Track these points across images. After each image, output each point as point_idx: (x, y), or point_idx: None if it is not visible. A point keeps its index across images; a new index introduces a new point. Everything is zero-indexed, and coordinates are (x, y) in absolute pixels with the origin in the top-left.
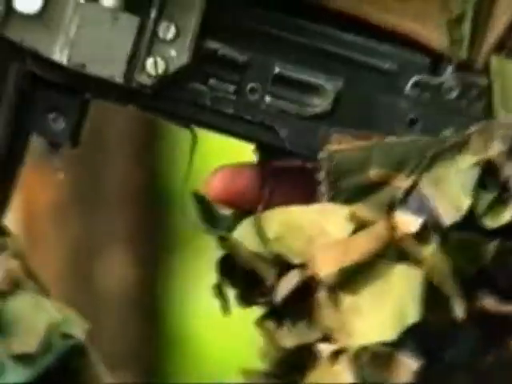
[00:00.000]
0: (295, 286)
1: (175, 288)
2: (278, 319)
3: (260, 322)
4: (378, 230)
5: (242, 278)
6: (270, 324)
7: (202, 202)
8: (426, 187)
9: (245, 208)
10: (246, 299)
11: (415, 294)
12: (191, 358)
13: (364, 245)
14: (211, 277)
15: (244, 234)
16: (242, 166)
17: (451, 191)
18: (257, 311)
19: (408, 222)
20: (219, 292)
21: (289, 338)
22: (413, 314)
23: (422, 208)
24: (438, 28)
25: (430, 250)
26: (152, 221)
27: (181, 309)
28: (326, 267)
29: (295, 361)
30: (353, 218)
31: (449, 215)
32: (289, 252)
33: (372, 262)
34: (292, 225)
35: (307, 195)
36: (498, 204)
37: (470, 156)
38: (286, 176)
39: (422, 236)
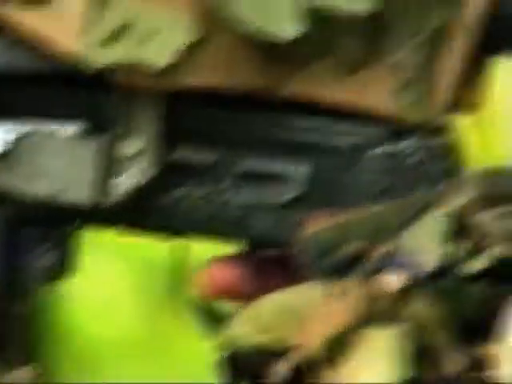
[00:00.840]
0: (288, 369)
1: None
2: None
3: None
4: (357, 295)
5: (250, 376)
6: None
7: (203, 309)
8: (404, 245)
9: (240, 299)
10: None
11: (402, 352)
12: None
13: (344, 313)
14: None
15: (239, 328)
16: (229, 258)
17: (426, 242)
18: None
19: (389, 280)
20: None
21: None
22: (402, 373)
23: (402, 264)
24: (389, 96)
25: (415, 306)
26: None
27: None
28: (311, 343)
29: None
30: (330, 290)
31: (427, 265)
32: (283, 337)
33: (355, 328)
34: (280, 310)
35: (296, 280)
36: (473, 251)
37: (442, 209)
38: (273, 265)
39: (405, 292)
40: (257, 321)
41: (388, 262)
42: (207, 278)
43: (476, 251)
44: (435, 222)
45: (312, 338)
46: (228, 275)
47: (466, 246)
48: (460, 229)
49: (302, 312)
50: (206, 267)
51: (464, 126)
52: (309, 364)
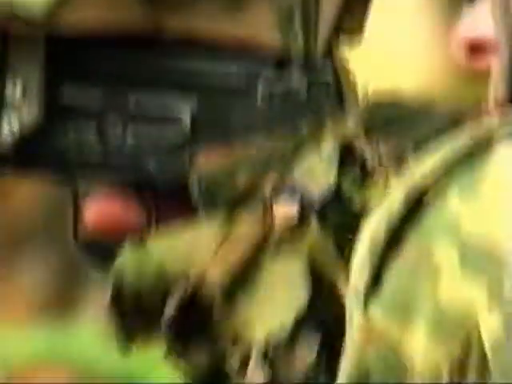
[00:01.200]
0: (181, 298)
1: None
2: (181, 347)
3: (167, 355)
4: (251, 225)
5: (134, 315)
6: (176, 354)
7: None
8: (295, 176)
9: (125, 235)
10: (141, 336)
11: (300, 277)
12: None
13: (242, 243)
14: None
15: (126, 262)
16: (115, 194)
17: (317, 172)
18: None
19: (284, 210)
20: (119, 338)
21: (199, 357)
22: (302, 296)
23: (295, 195)
24: (271, 31)
25: (309, 233)
26: None
27: None
28: (214, 270)
29: (215, 377)
30: (225, 224)
31: (318, 192)
32: (170, 272)
33: (254, 259)
34: (172, 243)
35: (189, 217)
36: (361, 183)
37: (329, 140)
38: (167, 201)
39: (300, 221)
40: (144, 255)
41: (280, 192)
42: (93, 210)
43: (363, 182)
44: (323, 152)
45: (213, 271)
46: (111, 207)
47: (350, 176)
48: (346, 158)
49: (196, 247)
50: (91, 200)
51: (349, 54)
52: (204, 301)
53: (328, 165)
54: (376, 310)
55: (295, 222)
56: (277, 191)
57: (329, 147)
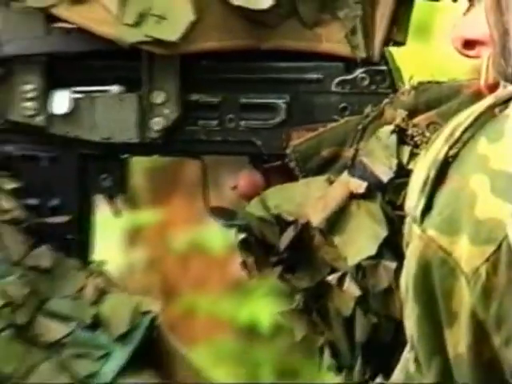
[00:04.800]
0: (293, 236)
1: None
2: (291, 271)
3: (280, 276)
4: (341, 185)
5: (257, 247)
6: (288, 275)
7: (219, 211)
8: (364, 158)
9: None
10: (262, 263)
11: (380, 219)
12: None
13: (336, 196)
14: None
15: (253, 207)
16: (252, 171)
17: (381, 157)
18: None
19: (357, 184)
20: (244, 266)
21: (303, 280)
22: (383, 232)
23: (365, 174)
24: (342, 41)
25: (374, 205)
26: None
27: None
28: (316, 217)
29: (315, 296)
30: (328, 181)
31: (385, 174)
32: (285, 213)
33: (344, 207)
34: (285, 195)
35: (291, 179)
36: (414, 154)
37: (387, 126)
38: (276, 171)
39: (367, 194)
40: (266, 202)
41: (355, 167)
42: (243, 183)
43: (415, 153)
44: (384, 140)
45: (316, 215)
46: (255, 182)
47: (407, 150)
48: (402, 137)
49: (301, 198)
50: (239, 179)
51: (398, 54)
52: (310, 234)
53: (388, 148)
54: (430, 226)
55: (363, 193)
56: (351, 163)
57: (387, 131)
